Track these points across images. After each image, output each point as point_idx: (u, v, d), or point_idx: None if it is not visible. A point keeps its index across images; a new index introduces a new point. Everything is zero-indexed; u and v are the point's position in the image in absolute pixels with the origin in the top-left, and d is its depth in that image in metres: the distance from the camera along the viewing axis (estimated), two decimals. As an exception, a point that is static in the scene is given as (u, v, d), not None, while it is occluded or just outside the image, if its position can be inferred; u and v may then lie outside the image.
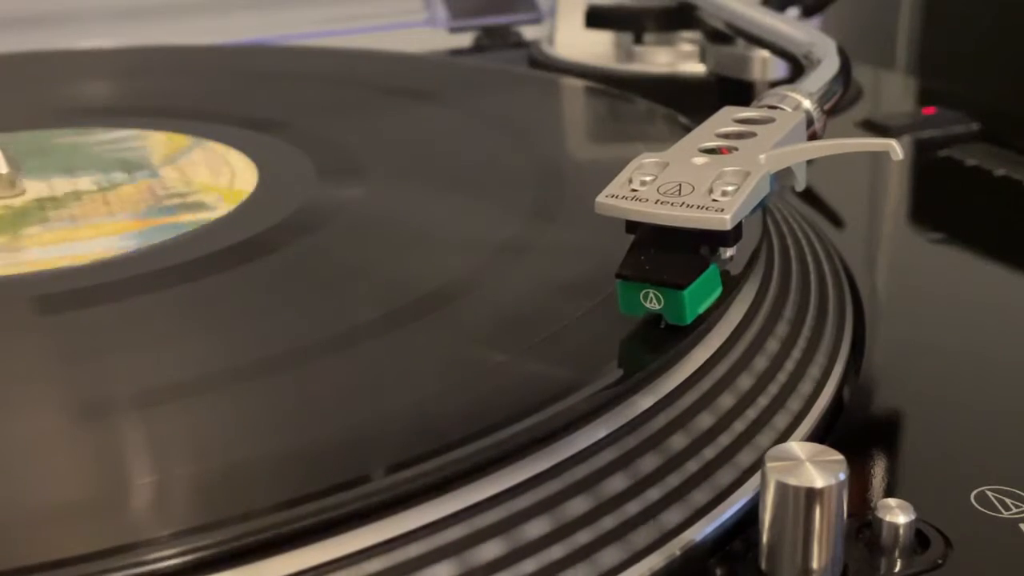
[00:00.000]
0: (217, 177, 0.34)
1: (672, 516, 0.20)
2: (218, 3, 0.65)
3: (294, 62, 0.49)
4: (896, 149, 0.23)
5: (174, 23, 0.64)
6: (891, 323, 0.29)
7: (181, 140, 0.37)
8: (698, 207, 0.22)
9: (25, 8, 0.61)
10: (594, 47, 0.54)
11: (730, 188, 0.22)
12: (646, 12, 0.52)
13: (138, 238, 0.29)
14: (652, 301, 0.22)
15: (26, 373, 0.23)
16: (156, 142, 0.37)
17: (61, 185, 0.34)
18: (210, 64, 0.49)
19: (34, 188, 0.33)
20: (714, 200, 0.22)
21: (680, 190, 0.22)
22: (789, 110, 0.27)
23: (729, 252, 0.23)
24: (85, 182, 0.34)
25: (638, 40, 0.53)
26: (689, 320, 0.22)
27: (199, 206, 0.31)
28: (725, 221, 0.21)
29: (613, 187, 0.23)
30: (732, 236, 0.22)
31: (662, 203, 0.22)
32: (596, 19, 0.53)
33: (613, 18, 0.53)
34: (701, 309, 0.22)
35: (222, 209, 0.31)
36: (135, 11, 0.64)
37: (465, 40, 0.65)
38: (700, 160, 0.23)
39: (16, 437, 0.20)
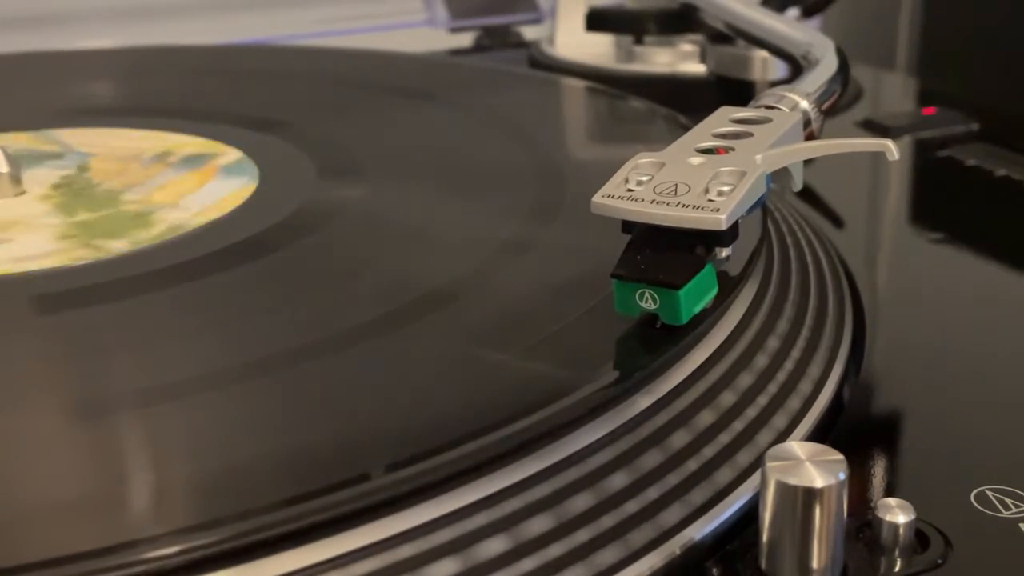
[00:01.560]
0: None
1: (672, 515, 0.20)
2: (218, 3, 0.65)
3: (294, 62, 0.49)
4: (892, 149, 0.23)
5: (174, 23, 0.64)
6: (891, 323, 0.29)
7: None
8: (694, 207, 0.22)
9: (25, 8, 0.61)
10: (594, 47, 0.54)
11: (726, 188, 0.22)
12: (646, 15, 0.52)
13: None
14: (648, 301, 0.22)
15: (26, 372, 0.23)
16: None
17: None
18: (210, 64, 0.49)
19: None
20: (710, 200, 0.22)
21: (676, 190, 0.22)
22: (786, 110, 0.27)
23: (725, 252, 0.23)
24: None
25: (638, 40, 0.53)
26: (685, 320, 0.22)
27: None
28: (720, 221, 0.21)
29: (609, 187, 0.23)
30: (728, 236, 0.22)
31: (658, 203, 0.22)
32: (596, 22, 0.53)
33: (613, 21, 0.53)
34: (697, 309, 0.22)
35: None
36: (135, 11, 0.64)
37: (465, 40, 0.65)
38: (696, 160, 0.23)
39: (15, 436, 0.20)
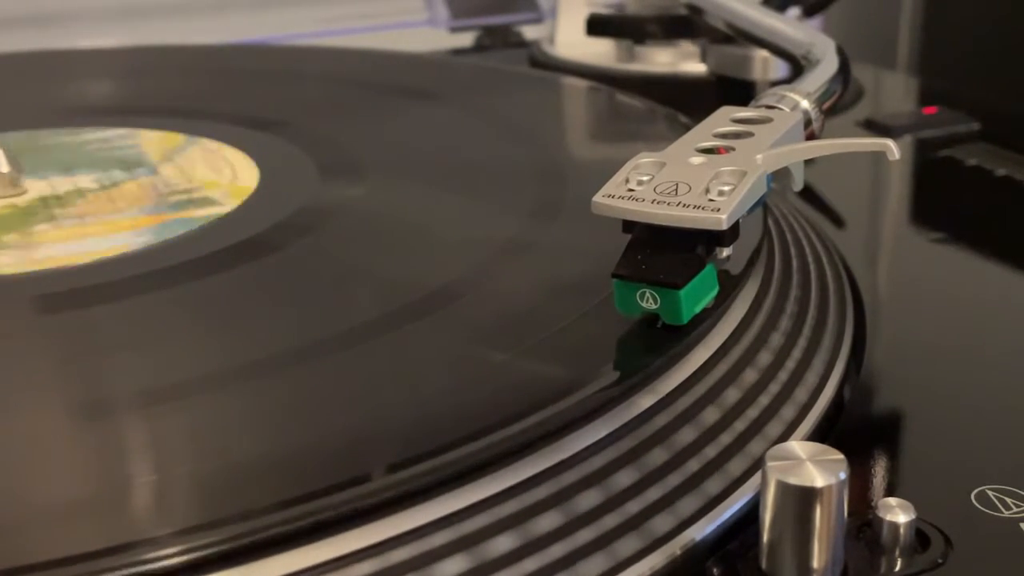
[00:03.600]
0: (219, 174, 0.34)
1: (673, 515, 0.20)
2: (218, 3, 0.65)
3: (294, 62, 0.49)
4: (892, 149, 0.23)
5: (174, 23, 0.64)
6: (891, 323, 0.29)
7: (179, 139, 0.37)
8: (694, 207, 0.22)
9: (25, 8, 0.61)
10: (595, 47, 0.54)
11: (726, 188, 0.22)
12: (647, 20, 0.52)
13: (154, 233, 0.29)
14: (648, 301, 0.22)
15: (27, 372, 0.23)
16: (152, 140, 0.37)
17: (62, 184, 0.34)
18: (210, 64, 0.49)
19: (34, 187, 0.33)
20: (710, 200, 0.22)
21: (677, 190, 0.22)
22: (787, 110, 0.27)
23: (726, 252, 0.23)
24: (86, 180, 0.34)
25: (639, 40, 0.54)
26: (685, 320, 0.22)
27: (206, 201, 0.31)
28: (721, 221, 0.21)
29: (609, 187, 0.23)
30: (728, 236, 0.22)
31: (658, 203, 0.22)
32: (597, 27, 0.53)
33: (614, 26, 0.53)
34: (697, 309, 0.22)
35: (229, 204, 0.31)
36: (135, 11, 0.64)
37: (466, 40, 0.65)
38: (697, 160, 0.23)
39: (17, 436, 0.20)
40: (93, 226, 0.30)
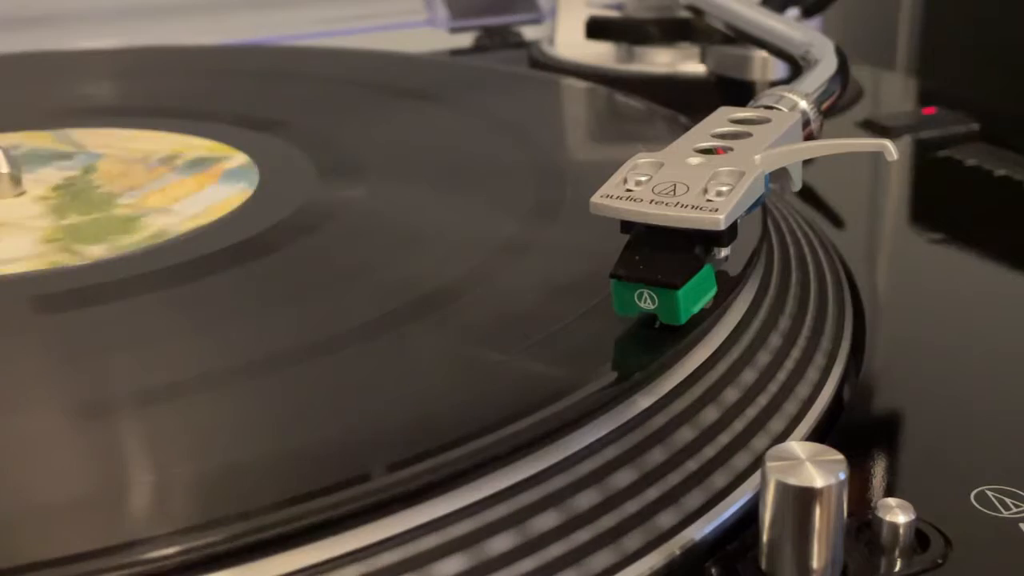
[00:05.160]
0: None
1: (672, 515, 0.20)
2: (218, 3, 0.65)
3: (294, 62, 0.49)
4: (890, 149, 0.23)
5: (174, 23, 0.64)
6: (891, 323, 0.29)
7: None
8: (692, 207, 0.22)
9: (25, 8, 0.61)
10: (595, 47, 0.55)
11: (724, 188, 0.22)
12: (647, 23, 0.52)
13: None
14: (646, 301, 0.22)
15: (26, 372, 0.23)
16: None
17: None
18: (210, 64, 0.49)
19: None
20: (708, 200, 0.22)
21: (675, 190, 0.22)
22: (785, 110, 0.27)
23: (724, 252, 0.23)
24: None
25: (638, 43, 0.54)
26: (683, 320, 0.22)
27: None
28: (719, 221, 0.21)
29: (608, 187, 0.23)
30: (726, 236, 0.22)
31: (656, 203, 0.22)
32: (597, 30, 0.53)
33: (614, 29, 0.54)
34: (695, 309, 0.22)
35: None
36: (135, 11, 0.64)
37: (466, 40, 0.65)
38: (695, 160, 0.23)
39: (15, 436, 0.20)
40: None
